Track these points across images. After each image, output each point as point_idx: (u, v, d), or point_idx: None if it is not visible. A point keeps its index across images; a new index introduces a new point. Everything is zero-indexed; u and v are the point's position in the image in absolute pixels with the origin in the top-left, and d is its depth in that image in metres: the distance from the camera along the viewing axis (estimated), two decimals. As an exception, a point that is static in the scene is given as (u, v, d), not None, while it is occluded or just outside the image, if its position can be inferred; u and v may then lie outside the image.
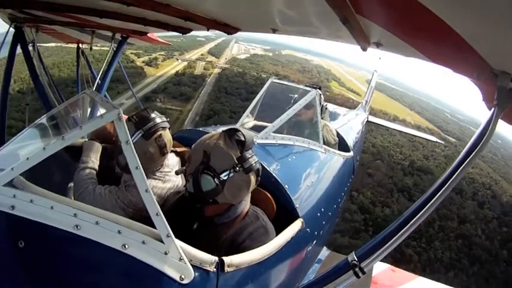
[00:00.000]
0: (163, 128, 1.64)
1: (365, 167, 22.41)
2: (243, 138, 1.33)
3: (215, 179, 1.28)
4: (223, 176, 1.28)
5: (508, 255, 20.34)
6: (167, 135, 1.66)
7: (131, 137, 1.52)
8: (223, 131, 1.37)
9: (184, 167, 1.43)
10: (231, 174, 1.29)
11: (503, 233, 22.89)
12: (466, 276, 17.87)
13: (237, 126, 2.20)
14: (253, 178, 1.34)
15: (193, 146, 1.39)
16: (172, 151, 1.81)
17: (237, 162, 1.30)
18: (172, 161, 1.78)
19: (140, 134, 1.56)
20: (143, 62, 53.01)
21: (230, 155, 1.30)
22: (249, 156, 1.33)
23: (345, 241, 15.34)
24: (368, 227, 18.07)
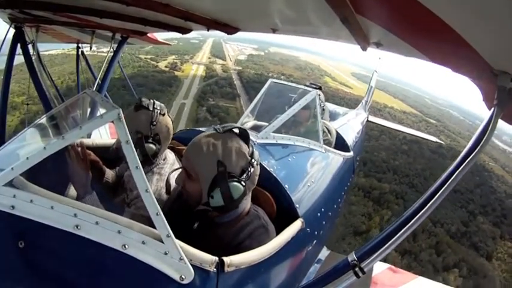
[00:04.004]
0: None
1: (376, 139, 37.56)
2: (245, 132, 1.30)
3: (241, 182, 1.25)
4: (245, 176, 1.26)
5: (481, 192, 33.18)
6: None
7: (151, 122, 1.66)
8: (224, 130, 1.31)
9: (179, 186, 1.39)
10: (251, 170, 1.27)
11: (476, 180, 35.01)
12: (452, 198, 29.01)
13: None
14: (258, 169, 1.33)
15: (189, 156, 1.30)
16: (169, 147, 1.84)
17: (249, 158, 1.28)
18: (172, 157, 1.81)
19: (158, 112, 1.70)
20: (166, 66, 54.58)
21: (243, 152, 1.27)
22: (253, 147, 1.32)
23: (380, 175, 30.46)
24: (389, 170, 33.03)
